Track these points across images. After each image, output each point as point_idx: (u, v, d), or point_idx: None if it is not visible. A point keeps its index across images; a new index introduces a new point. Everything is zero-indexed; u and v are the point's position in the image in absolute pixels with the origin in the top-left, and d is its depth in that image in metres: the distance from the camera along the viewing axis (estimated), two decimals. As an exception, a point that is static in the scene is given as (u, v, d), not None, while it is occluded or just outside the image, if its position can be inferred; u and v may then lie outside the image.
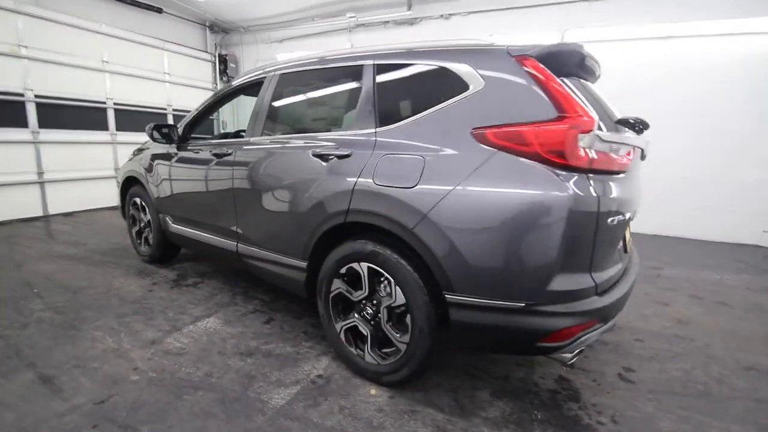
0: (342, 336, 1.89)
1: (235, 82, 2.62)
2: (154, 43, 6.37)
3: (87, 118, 5.53)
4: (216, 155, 2.46)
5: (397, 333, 1.68)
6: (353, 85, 1.97)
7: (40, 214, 5.16)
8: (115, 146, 5.94)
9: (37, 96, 4.94)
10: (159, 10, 6.34)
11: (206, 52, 7.50)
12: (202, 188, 2.63)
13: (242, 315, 2.49)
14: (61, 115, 5.23)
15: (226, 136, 3.21)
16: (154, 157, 3.06)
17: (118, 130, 5.93)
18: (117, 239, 4.20)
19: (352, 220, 1.73)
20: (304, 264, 1.99)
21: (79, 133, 5.45)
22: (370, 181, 1.65)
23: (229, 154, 2.36)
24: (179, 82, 6.90)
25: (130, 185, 3.43)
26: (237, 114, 7.55)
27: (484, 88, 1.51)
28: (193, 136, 3.02)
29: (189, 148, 2.80)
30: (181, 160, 2.80)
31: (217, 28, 7.48)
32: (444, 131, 1.56)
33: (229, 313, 2.51)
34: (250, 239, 2.30)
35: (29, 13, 4.79)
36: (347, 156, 1.78)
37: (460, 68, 1.58)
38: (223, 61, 7.66)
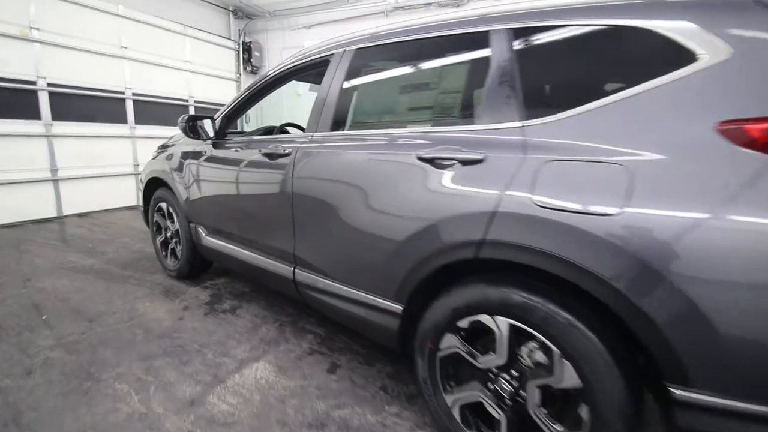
0: (456, 413, 1.35)
1: (287, 64, 2.08)
2: (175, 28, 5.87)
3: (104, 110, 5.07)
4: (268, 155, 1.93)
5: (559, 427, 1.13)
6: (475, 60, 1.40)
7: (53, 214, 4.73)
8: (134, 141, 5.48)
9: (50, 84, 4.48)
10: (181, -8, 5.84)
11: (229, 39, 6.99)
12: (246, 195, 2.11)
13: (297, 358, 1.96)
14: (77, 105, 4.77)
15: (270, 131, 2.69)
16: (186, 155, 2.55)
17: (137, 123, 5.47)
18: (138, 246, 3.73)
19: (487, 257, 1.18)
20: (398, 308, 1.45)
21: (95, 126, 4.99)
22: (526, 199, 1.09)
23: (287, 155, 1.82)
24: (201, 71, 6.41)
25: (154, 187, 2.93)
26: (261, 107, 7.03)
27: (731, 58, 0.93)
28: (230, 131, 2.50)
29: (227, 145, 2.28)
30: (219, 160, 2.28)
31: (241, 13, 6.95)
32: (649, 125, 0.99)
33: (280, 354, 1.98)
34: (313, 265, 1.76)
35: (41, -9, 4.31)
36: (478, 161, 1.22)
37: (677, 29, 1.01)
38: (247, 49, 7.14)
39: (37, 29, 4.33)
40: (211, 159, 2.33)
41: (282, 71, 2.10)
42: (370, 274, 1.52)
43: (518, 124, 1.20)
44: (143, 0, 5.46)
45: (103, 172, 5.14)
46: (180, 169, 2.58)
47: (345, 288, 1.63)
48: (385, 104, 1.81)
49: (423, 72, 1.55)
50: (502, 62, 1.27)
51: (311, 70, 2.03)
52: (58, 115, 4.59)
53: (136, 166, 5.47)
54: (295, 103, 6.95)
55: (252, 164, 2.04)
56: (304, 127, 3.02)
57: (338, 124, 1.75)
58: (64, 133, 4.65)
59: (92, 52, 4.84)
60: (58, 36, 4.49)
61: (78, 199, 4.91)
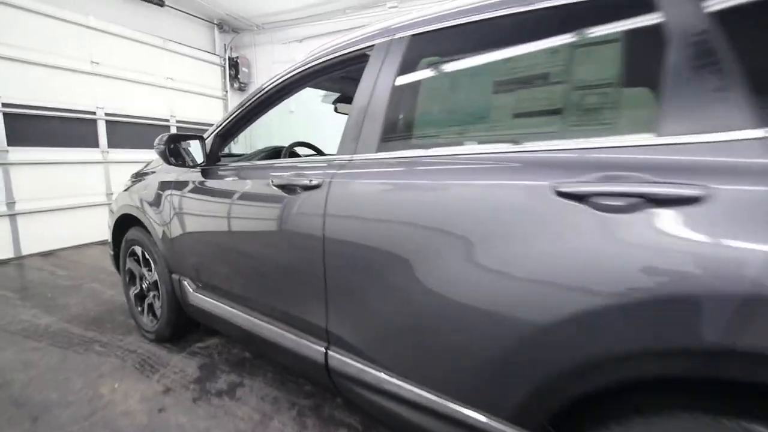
0: None
1: (299, 66, 1.54)
2: (153, 41, 5.32)
3: (72, 133, 4.44)
4: (284, 188, 1.37)
5: None
6: (646, 30, 0.88)
7: (10, 255, 4.03)
8: (107, 166, 4.83)
9: (5, 105, 3.85)
10: (160, 3, 5.31)
11: (215, 54, 6.46)
12: (251, 241, 1.54)
13: (332, 474, 1.37)
14: (38, 128, 4.13)
15: (276, 153, 2.14)
16: (166, 186, 1.97)
17: (110, 146, 4.84)
18: (109, 294, 3.08)
19: (723, 375, 0.65)
20: (522, 436, 0.89)
21: (61, 152, 4.35)
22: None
23: (315, 187, 1.27)
24: (184, 89, 5.84)
25: (126, 226, 2.33)
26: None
27: None
28: (224, 154, 1.95)
29: (222, 172, 1.72)
30: (212, 193, 1.71)
31: (227, 27, 6.46)
32: None
33: (307, 469, 1.39)
34: (359, 349, 1.19)
35: (-4, -1, 3.73)
36: (694, 200, 0.69)
37: None
38: (233, 65, 6.62)
39: (-10, 41, 3.72)
40: (201, 191, 1.76)
41: (293, 75, 1.56)
42: (469, 374, 0.96)
43: (756, 133, 0.68)
44: (117, 11, 4.91)
45: (70, 203, 4.47)
46: (158, 204, 1.99)
47: (416, 390, 1.06)
48: (471, 109, 1.26)
49: (537, 58, 1.02)
50: (705, 30, 0.75)
51: (334, 71, 1.50)
52: (14, 139, 3.94)
53: (110, 195, 4.82)
54: (285, 121, 6.43)
55: (259, 199, 1.48)
56: (319, 148, 2.51)
57: (393, 140, 1.22)
58: (22, 160, 4.00)
59: (57, 67, 4.23)
60: (15, 49, 3.88)
61: (40, 236, 4.22)
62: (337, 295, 1.22)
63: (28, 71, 4.00)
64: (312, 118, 6.25)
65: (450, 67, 1.22)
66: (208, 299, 1.79)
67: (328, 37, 5.87)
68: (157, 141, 1.67)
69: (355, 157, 1.24)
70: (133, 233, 2.24)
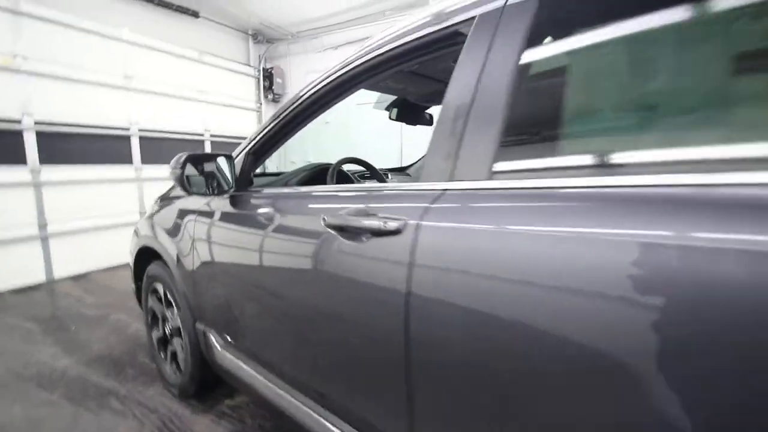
0: None
1: (354, 59, 1.12)
2: (189, 54, 5.16)
3: (105, 150, 4.28)
4: (341, 230, 0.95)
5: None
6: None
7: (42, 279, 3.86)
8: (140, 184, 4.66)
9: (38, 122, 3.71)
10: (195, 14, 5.16)
11: (249, 65, 6.28)
12: (293, 299, 1.13)
13: None
14: (71, 146, 3.98)
15: (321, 173, 1.75)
16: (186, 214, 1.61)
17: (144, 162, 4.67)
18: (134, 327, 2.79)
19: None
20: None
21: (93, 169, 4.19)
22: None
23: (394, 233, 0.84)
24: (218, 102, 5.66)
25: (149, 257, 2.00)
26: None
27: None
28: (258, 173, 1.58)
29: (255, 200, 1.34)
30: (243, 228, 1.32)
31: (262, 37, 6.27)
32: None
33: None
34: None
35: (29, 13, 3.60)
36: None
37: None
38: (267, 76, 6.42)
39: (24, 57, 3.59)
40: (230, 225, 1.38)
41: (341, 75, 1.15)
42: None
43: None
44: (152, 23, 4.78)
45: (103, 223, 4.30)
46: (179, 237, 1.63)
47: None
48: (672, 105, 0.77)
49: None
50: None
51: (401, 64, 1.08)
52: (48, 158, 3.80)
53: (143, 213, 4.63)
54: (320, 133, 6.13)
55: (306, 243, 1.07)
56: (373, 165, 2.09)
57: (520, 158, 0.78)
58: (55, 180, 3.84)
59: (90, 82, 4.09)
60: (49, 65, 3.75)
61: (72, 258, 4.06)
62: (426, 389, 0.79)
63: (61, 87, 3.86)
64: (350, 129, 5.92)
65: (624, 30, 0.74)
66: (239, 362, 1.40)
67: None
68: (172, 163, 1.30)
69: (453, 186, 0.81)
70: (154, 268, 1.90)
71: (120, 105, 4.40)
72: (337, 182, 1.66)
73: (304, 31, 6.02)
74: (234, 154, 1.47)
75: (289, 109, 1.30)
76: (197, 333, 1.63)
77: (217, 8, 5.22)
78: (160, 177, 4.80)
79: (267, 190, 1.37)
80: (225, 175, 1.34)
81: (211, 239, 1.45)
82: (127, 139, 4.49)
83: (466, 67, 0.85)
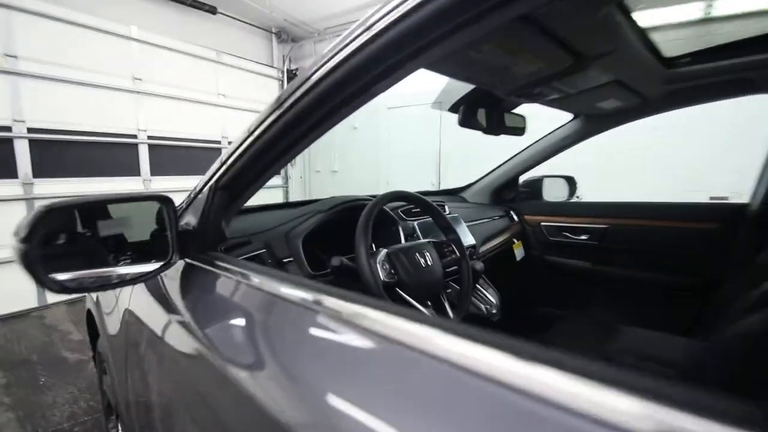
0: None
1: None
2: (206, 54, 4.69)
3: (109, 160, 3.84)
4: None
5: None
6: None
7: (33, 304, 3.43)
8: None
9: (31, 130, 3.28)
10: (212, 10, 4.69)
11: (272, 66, 5.78)
12: None
13: None
14: (69, 156, 3.55)
15: (350, 214, 1.11)
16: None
17: (153, 174, 4.21)
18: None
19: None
20: None
21: (95, 182, 3.74)
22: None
23: None
24: (238, 106, 5.17)
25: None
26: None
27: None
28: (245, 208, 0.96)
29: (219, 278, 0.70)
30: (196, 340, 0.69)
31: (286, 36, 5.76)
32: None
33: None
34: None
35: (20, 6, 3.18)
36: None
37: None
38: (292, 77, 5.90)
39: (15, 57, 3.18)
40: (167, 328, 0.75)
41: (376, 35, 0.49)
42: None
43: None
44: (164, 20, 4.33)
45: (104, 241, 3.85)
46: (110, 306, 1.04)
47: None
48: None
49: None
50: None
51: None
52: (42, 170, 3.37)
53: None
54: (350, 139, 5.55)
55: None
56: (427, 201, 1.29)
57: None
58: (49, 194, 3.40)
59: (94, 85, 3.65)
60: (45, 66, 3.33)
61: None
62: None
63: (60, 90, 3.43)
64: (380, 136, 5.30)
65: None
66: None
67: None
68: (15, 233, 0.65)
69: None
70: (103, 344, 1.32)
71: (127, 110, 3.95)
72: (374, 226, 1.02)
73: (332, 28, 5.46)
74: (194, 191, 0.85)
75: (288, 110, 0.66)
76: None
77: (236, 3, 4.73)
78: (172, 189, 4.33)
79: (251, 270, 0.72)
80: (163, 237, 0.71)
81: (147, 340, 0.83)
82: (135, 147, 4.04)
83: None
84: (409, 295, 0.95)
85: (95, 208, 0.67)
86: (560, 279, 1.87)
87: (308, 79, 0.60)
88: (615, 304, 1.69)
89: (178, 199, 0.87)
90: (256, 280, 0.63)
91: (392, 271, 0.95)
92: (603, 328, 1.44)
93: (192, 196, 0.86)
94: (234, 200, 0.87)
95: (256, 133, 0.72)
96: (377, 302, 0.46)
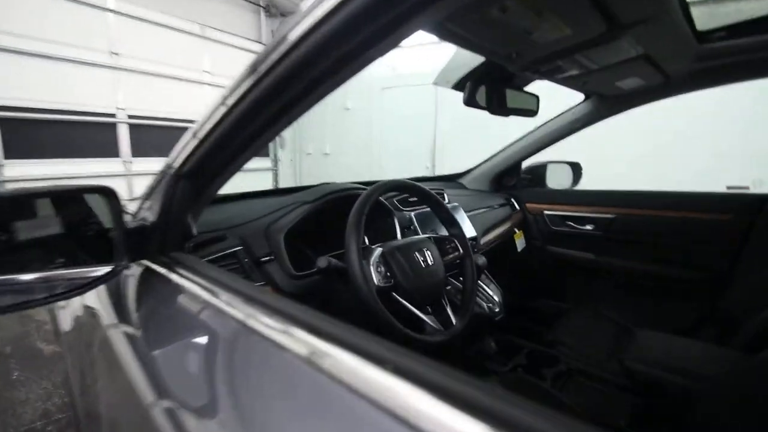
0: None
1: None
2: (188, 28, 4.44)
3: (86, 140, 3.63)
4: None
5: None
6: None
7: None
8: (130, 180, 4.01)
9: (0, 108, 3.07)
10: (195, -19, 4.42)
11: (260, 43, 5.52)
12: None
13: None
14: (43, 136, 3.34)
15: (332, 211, 0.99)
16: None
17: (135, 155, 4.01)
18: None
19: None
20: None
21: (72, 163, 3.54)
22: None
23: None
24: (224, 84, 4.92)
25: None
26: (297, 127, 5.45)
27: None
28: (218, 197, 0.84)
29: (181, 285, 0.58)
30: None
31: (275, 9, 5.49)
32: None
33: None
34: None
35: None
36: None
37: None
38: (281, 55, 5.64)
39: (-22, 27, 2.94)
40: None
41: None
42: None
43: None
44: (143, -10, 4.06)
45: (83, 226, 3.68)
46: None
47: None
48: None
49: None
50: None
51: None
52: (13, 150, 3.16)
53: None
54: (342, 121, 5.36)
55: None
56: (431, 193, 1.04)
57: None
58: (21, 176, 3.21)
59: (68, 59, 3.42)
60: (12, 38, 3.09)
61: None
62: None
63: (30, 65, 3.20)
64: (373, 117, 5.11)
65: None
66: None
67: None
68: None
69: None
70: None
71: (105, 87, 3.72)
72: (367, 219, 0.90)
73: (323, 3, 5.20)
74: (154, 180, 0.73)
75: (264, 77, 0.53)
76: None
77: (221, -27, 4.46)
78: (155, 171, 4.13)
79: (207, 278, 0.59)
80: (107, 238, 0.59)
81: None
82: (113, 127, 3.83)
83: None
84: (406, 300, 0.83)
85: (20, 203, 0.54)
86: (562, 271, 1.78)
87: (288, 38, 0.47)
88: (619, 298, 1.61)
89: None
90: (218, 297, 0.51)
91: (388, 273, 0.84)
92: (613, 327, 1.35)
93: (152, 185, 0.73)
94: (202, 190, 0.74)
95: (227, 106, 0.59)
96: (360, 339, 0.34)
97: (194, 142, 0.68)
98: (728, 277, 1.35)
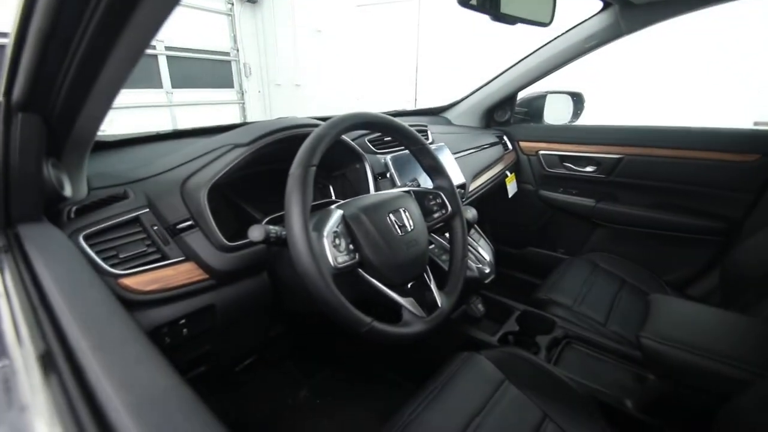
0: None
1: None
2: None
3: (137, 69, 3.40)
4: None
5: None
6: None
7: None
8: (172, 110, 4.13)
9: None
10: None
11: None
12: None
13: None
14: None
15: (273, 154, 0.73)
16: None
17: (174, 86, 4.09)
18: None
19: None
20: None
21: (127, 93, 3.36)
22: None
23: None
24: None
25: None
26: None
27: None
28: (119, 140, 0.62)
29: None
30: None
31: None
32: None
33: None
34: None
35: None
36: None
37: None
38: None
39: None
40: None
41: None
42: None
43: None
44: None
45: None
46: None
47: None
48: None
49: None
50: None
51: None
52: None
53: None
54: (314, 46, 4.80)
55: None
56: (398, 123, 0.77)
57: None
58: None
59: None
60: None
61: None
62: None
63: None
64: (348, 41, 4.53)
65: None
66: None
67: None
68: None
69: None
70: None
71: None
72: (327, 167, 0.64)
73: None
74: None
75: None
76: None
77: None
78: (191, 102, 4.39)
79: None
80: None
81: None
82: (154, 59, 3.86)
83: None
84: (376, 279, 0.62)
85: None
86: (558, 219, 1.60)
87: None
88: (618, 248, 1.45)
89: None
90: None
91: (351, 246, 0.61)
92: (616, 285, 1.20)
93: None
94: (61, 127, 0.49)
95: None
96: None
97: (12, 55, 0.42)
98: (743, 227, 1.20)
